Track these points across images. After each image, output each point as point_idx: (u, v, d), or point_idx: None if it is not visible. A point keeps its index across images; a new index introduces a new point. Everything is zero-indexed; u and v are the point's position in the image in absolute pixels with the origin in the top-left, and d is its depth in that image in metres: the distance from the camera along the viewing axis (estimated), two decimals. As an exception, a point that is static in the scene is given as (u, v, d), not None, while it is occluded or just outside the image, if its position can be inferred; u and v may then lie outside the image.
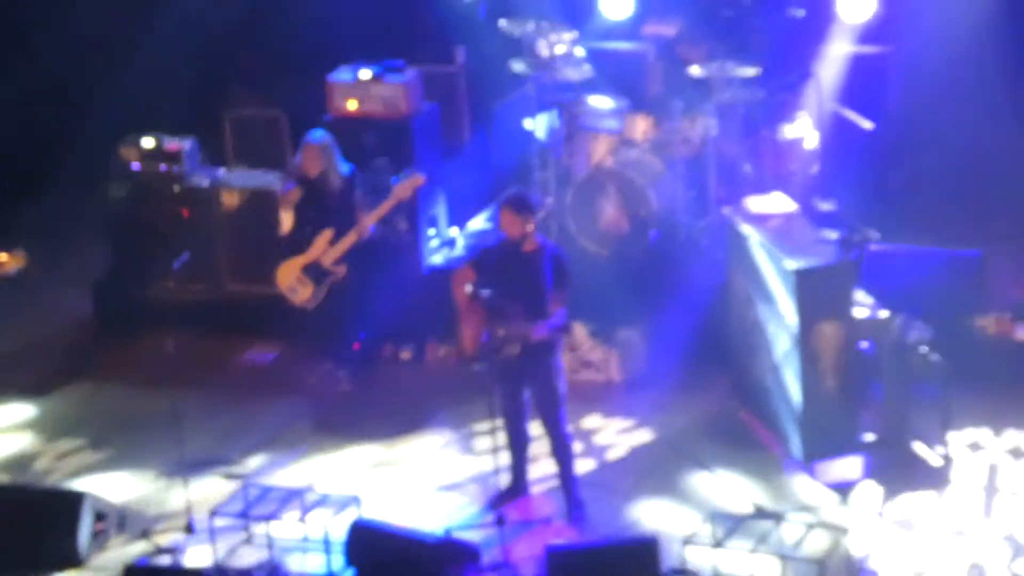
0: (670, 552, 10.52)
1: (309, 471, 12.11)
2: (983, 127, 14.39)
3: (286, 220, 13.01)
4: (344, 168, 13.18)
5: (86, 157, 15.12)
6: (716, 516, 10.82)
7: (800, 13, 14.89)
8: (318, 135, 13.18)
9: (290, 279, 13.02)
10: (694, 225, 13.63)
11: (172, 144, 14.65)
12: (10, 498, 11.63)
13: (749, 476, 11.75)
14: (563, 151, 14.15)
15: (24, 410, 13.39)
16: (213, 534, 10.95)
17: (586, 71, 14.50)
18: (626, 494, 11.62)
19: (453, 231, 14.65)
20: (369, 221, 12.91)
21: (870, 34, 14.70)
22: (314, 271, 12.85)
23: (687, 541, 10.59)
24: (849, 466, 11.57)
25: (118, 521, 11.51)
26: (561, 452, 11.30)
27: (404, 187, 13.03)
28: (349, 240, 12.76)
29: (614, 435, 12.46)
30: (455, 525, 10.97)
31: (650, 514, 11.27)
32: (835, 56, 14.74)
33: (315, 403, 13.09)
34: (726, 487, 11.57)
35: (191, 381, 12.53)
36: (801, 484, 11.56)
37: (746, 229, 12.38)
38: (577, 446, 11.69)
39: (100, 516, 11.30)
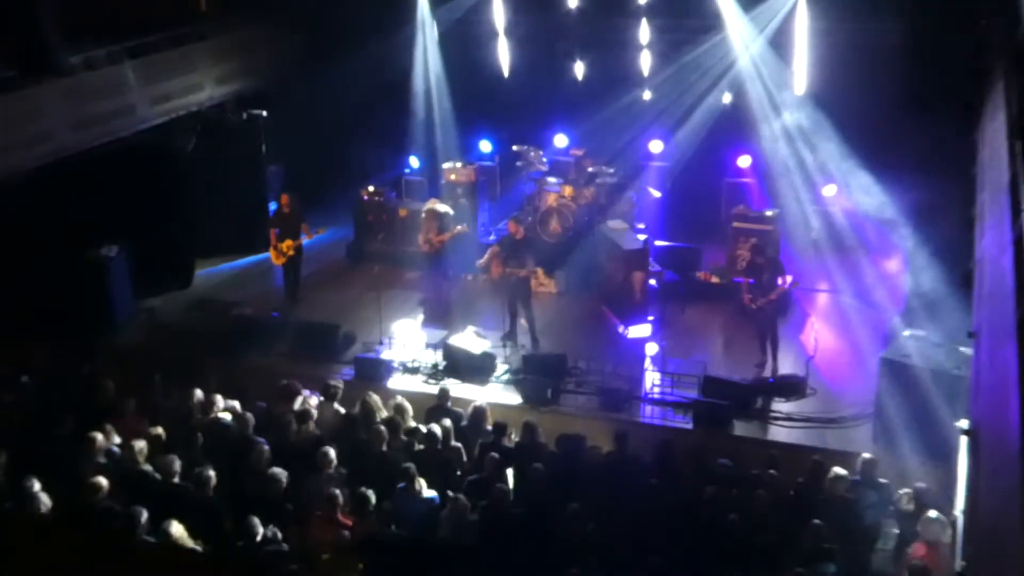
0: (571, 365, 10.80)
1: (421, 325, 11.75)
2: (703, 190, 14.09)
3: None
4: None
5: (345, 191, 14.75)
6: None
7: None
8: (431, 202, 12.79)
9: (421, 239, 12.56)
10: (589, 231, 13.51)
11: (381, 188, 14.57)
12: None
13: (602, 336, 11.95)
14: (535, 199, 13.97)
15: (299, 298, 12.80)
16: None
17: (545, 166, 14.46)
18: (559, 339, 11.70)
19: (492, 229, 14.49)
20: (450, 233, 12.34)
21: (658, 156, 14.52)
22: (429, 242, 12.34)
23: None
24: (644, 328, 11.86)
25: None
26: (529, 320, 11.57)
27: (456, 230, 12.43)
28: (446, 235, 12.36)
29: (551, 315, 12.39)
30: (486, 346, 11.03)
31: (560, 349, 11.16)
32: (649, 164, 14.59)
33: (429, 296, 12.73)
34: (592, 341, 11.72)
35: (378, 287, 11.98)
36: (622, 338, 11.71)
37: (607, 233, 12.69)
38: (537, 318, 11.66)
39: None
